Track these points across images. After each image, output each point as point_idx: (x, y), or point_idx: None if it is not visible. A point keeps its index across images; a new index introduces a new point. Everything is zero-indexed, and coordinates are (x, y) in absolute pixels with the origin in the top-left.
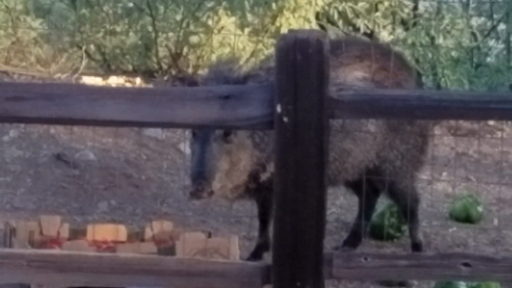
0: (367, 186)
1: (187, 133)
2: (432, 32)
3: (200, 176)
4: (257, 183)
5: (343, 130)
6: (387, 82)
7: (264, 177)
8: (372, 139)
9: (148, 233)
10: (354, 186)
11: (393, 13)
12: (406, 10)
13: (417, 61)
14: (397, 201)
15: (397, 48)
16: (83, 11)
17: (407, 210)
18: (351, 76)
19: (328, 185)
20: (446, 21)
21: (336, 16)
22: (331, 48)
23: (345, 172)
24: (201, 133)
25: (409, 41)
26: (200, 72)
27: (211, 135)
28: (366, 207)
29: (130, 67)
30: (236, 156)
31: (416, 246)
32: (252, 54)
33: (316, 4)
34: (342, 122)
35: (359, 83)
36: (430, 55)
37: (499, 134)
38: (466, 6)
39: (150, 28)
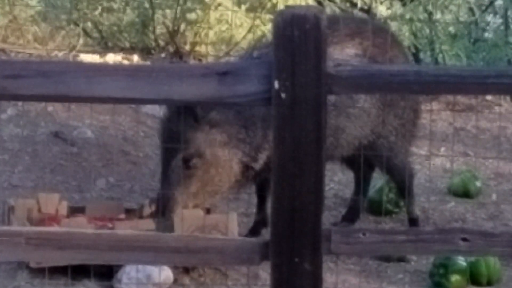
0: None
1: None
2: (430, 7)
3: (162, 211)
4: (253, 171)
5: (336, 107)
6: (379, 58)
7: (257, 166)
8: (367, 116)
9: (147, 210)
10: (349, 161)
11: None
12: None
13: (414, 36)
14: (392, 176)
15: (394, 24)
16: None
17: (403, 185)
18: (343, 54)
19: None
20: None
21: None
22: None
23: (341, 148)
24: (163, 157)
25: (407, 16)
26: (198, 49)
27: (171, 163)
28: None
29: (127, 45)
30: (207, 175)
31: (413, 221)
32: (250, 30)
33: None
34: (335, 99)
35: (352, 60)
36: (427, 30)
37: (497, 109)
38: None
39: (147, 5)
